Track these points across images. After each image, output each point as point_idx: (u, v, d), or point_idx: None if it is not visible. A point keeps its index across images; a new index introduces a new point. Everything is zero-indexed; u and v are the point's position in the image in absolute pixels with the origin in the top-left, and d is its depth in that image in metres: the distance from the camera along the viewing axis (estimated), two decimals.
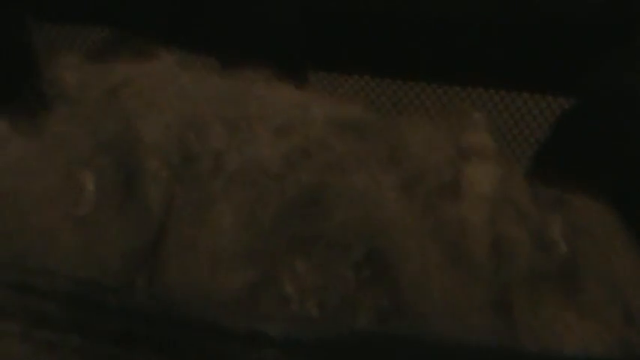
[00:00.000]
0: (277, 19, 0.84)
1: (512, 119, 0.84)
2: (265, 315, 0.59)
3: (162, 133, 0.67)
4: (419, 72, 0.83)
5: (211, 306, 0.58)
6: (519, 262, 0.65)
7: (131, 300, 0.58)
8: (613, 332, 0.66)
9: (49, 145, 0.69)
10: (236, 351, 0.55)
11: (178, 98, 0.69)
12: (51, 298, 0.57)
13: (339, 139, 0.68)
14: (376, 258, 0.64)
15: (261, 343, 0.55)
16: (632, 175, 0.77)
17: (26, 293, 0.57)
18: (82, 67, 0.71)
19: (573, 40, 0.78)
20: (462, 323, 0.63)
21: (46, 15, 0.98)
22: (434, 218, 0.65)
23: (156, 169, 0.66)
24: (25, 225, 0.66)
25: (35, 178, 0.67)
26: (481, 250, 0.65)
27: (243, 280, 0.64)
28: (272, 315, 0.59)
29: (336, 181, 0.65)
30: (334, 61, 0.86)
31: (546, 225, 0.68)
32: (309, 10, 0.82)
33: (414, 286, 0.62)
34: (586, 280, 0.67)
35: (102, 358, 0.60)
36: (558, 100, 0.83)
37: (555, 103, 0.83)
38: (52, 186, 0.68)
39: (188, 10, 0.89)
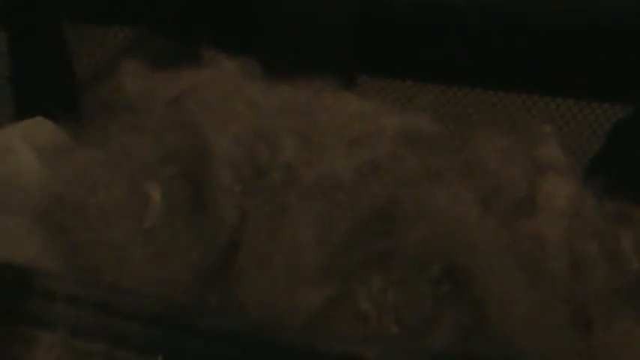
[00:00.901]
0: (327, 22, 0.82)
1: (567, 127, 0.82)
2: (360, 337, 0.57)
3: (232, 145, 0.64)
4: (475, 79, 0.81)
5: (304, 330, 0.56)
6: (595, 279, 0.64)
7: (218, 323, 0.55)
8: None
9: (114, 156, 0.66)
10: None
11: (246, 108, 0.67)
12: (135, 319, 0.55)
13: (410, 152, 0.66)
14: (455, 274, 0.62)
15: None
16: None
17: (110, 313, 0.55)
18: (144, 74, 0.69)
19: (631, 46, 0.77)
20: (543, 341, 0.61)
21: (75, 15, 0.95)
22: (511, 234, 0.63)
23: (228, 182, 0.63)
24: (95, 239, 0.63)
25: (102, 190, 0.65)
26: (559, 267, 0.63)
27: (320, 298, 0.62)
28: (367, 337, 0.57)
29: (411, 195, 0.63)
30: (387, 67, 0.84)
31: (618, 240, 0.67)
32: (363, 14, 0.80)
33: (495, 303, 0.60)
34: None
35: None
36: (614, 109, 0.81)
37: (611, 111, 0.82)
38: (118, 198, 0.65)
39: (232, 13, 0.86)
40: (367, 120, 0.67)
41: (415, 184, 0.64)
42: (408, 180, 0.64)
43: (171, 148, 0.66)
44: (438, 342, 0.61)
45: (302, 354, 0.53)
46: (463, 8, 0.83)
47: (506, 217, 0.63)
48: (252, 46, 0.86)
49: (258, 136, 0.66)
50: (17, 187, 0.67)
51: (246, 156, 0.65)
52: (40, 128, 0.70)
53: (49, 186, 0.65)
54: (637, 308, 0.66)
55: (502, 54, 0.83)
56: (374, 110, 0.68)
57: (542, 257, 0.63)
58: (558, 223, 0.64)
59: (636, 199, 0.69)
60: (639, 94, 0.77)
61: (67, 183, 0.65)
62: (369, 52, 0.84)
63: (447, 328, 0.62)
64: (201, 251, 0.65)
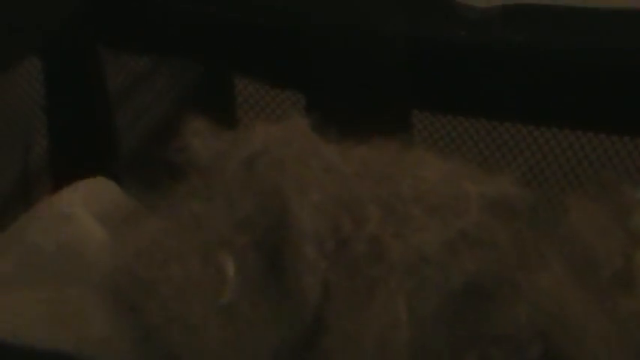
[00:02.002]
0: (382, 60, 0.77)
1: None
2: None
3: (314, 215, 0.59)
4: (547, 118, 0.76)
5: None
6: None
7: None
8: None
9: (184, 225, 0.61)
10: None
11: (324, 172, 0.61)
12: None
13: (498, 222, 0.61)
14: (554, 358, 0.58)
15: None
16: None
17: None
18: (212, 133, 0.63)
19: None
20: None
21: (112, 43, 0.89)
22: (611, 313, 0.58)
23: (312, 257, 0.58)
24: (171, 317, 0.58)
25: (174, 264, 0.59)
26: None
27: None
28: None
29: (504, 270, 0.58)
30: (443, 105, 0.79)
31: None
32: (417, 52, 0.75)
33: None
34: None
35: None
36: None
37: None
38: (191, 271, 0.60)
39: (278, 47, 0.81)
40: (450, 185, 0.62)
41: (509, 259, 0.59)
42: (499, 253, 0.60)
43: (245, 215, 0.61)
44: None
45: None
46: (522, 44, 0.78)
47: (604, 294, 0.59)
48: (301, 81, 0.81)
49: (340, 205, 0.60)
50: (80, 256, 0.61)
51: (329, 227, 0.59)
52: (102, 191, 0.64)
53: (117, 257, 0.59)
54: None
55: (551, 91, 0.79)
56: (457, 175, 0.63)
57: None
58: None
59: None
60: None
61: (137, 255, 0.59)
62: (425, 89, 0.78)
63: None
64: (283, 329, 0.59)
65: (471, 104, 0.81)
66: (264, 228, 0.61)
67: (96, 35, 0.85)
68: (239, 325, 0.59)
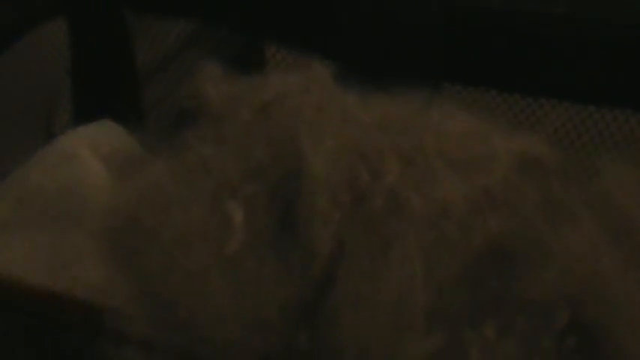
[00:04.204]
0: (414, 23, 0.70)
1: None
2: None
3: (327, 164, 0.52)
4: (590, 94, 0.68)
5: None
6: None
7: None
8: None
9: (191, 170, 0.54)
10: None
11: (343, 122, 0.54)
12: None
13: (529, 181, 0.54)
14: (584, 326, 0.50)
15: None
16: None
17: None
18: (226, 79, 0.56)
19: None
20: None
21: (137, 5, 0.83)
22: None
23: (325, 209, 0.51)
24: (171, 265, 0.51)
25: (177, 209, 0.53)
26: None
27: (425, 347, 0.50)
28: None
29: (532, 231, 0.51)
30: (474, 74, 0.72)
31: None
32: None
33: None
34: None
35: None
36: None
37: None
38: (196, 218, 0.53)
39: (308, 9, 0.74)
40: (477, 141, 0.55)
41: (535, 218, 0.52)
42: (527, 213, 0.52)
43: (257, 163, 0.54)
44: None
45: None
46: (562, 16, 0.71)
47: (638, 261, 0.51)
48: (330, 45, 0.74)
49: (358, 156, 0.53)
50: (82, 197, 0.55)
51: (345, 178, 0.52)
52: (109, 133, 0.58)
53: (119, 201, 0.53)
54: None
55: (590, 66, 0.71)
56: (484, 130, 0.56)
57: None
58: None
59: None
60: None
61: (140, 199, 0.52)
62: (457, 57, 0.71)
63: None
64: (290, 285, 0.52)
65: (503, 77, 0.74)
66: (277, 177, 0.54)
67: None
68: (244, 277, 0.52)
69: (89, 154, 0.55)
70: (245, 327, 0.51)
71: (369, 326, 0.51)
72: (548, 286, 0.51)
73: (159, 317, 0.49)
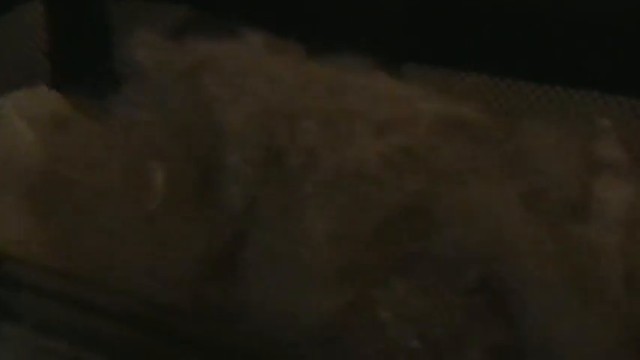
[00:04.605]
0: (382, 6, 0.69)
1: None
2: (336, 355, 0.44)
3: (246, 124, 0.52)
4: (541, 73, 0.67)
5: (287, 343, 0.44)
6: None
7: (200, 330, 0.43)
8: None
9: (116, 131, 0.55)
10: None
11: (266, 85, 0.54)
12: (109, 319, 0.43)
13: (449, 142, 0.53)
14: (493, 284, 0.49)
15: None
16: None
17: (81, 310, 0.43)
18: (159, 45, 0.57)
19: None
20: None
21: None
22: (560, 241, 0.49)
23: (238, 166, 0.51)
24: (90, 221, 0.51)
25: (98, 168, 0.53)
26: (614, 282, 0.49)
27: (334, 303, 0.49)
28: (345, 355, 0.44)
29: (447, 190, 0.50)
30: (435, 54, 0.71)
31: None
32: None
33: (536, 321, 0.47)
34: None
35: None
36: None
37: None
38: (116, 177, 0.53)
39: None
40: (402, 104, 0.55)
41: (453, 177, 0.51)
42: (444, 173, 0.52)
43: (180, 125, 0.54)
44: None
45: None
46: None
47: (554, 221, 0.50)
48: (300, 29, 0.74)
49: (277, 116, 0.53)
50: (7, 160, 0.55)
51: (261, 137, 0.52)
52: (39, 98, 0.58)
53: (42, 160, 0.53)
54: None
55: (562, 47, 0.70)
56: (411, 93, 0.55)
57: (594, 270, 0.49)
58: (614, 232, 0.50)
59: None
60: None
61: (62, 159, 0.53)
62: (419, 37, 0.71)
63: (477, 347, 0.49)
64: (205, 240, 0.52)
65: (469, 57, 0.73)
66: (199, 139, 0.54)
67: None
68: (161, 234, 0.53)
69: (18, 117, 0.56)
70: (158, 281, 0.52)
71: (277, 282, 0.51)
72: (458, 244, 0.50)
73: (72, 269, 0.49)
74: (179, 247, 0.52)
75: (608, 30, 0.63)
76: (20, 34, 0.83)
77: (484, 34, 0.70)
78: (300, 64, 0.57)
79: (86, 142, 0.54)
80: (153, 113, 0.55)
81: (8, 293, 0.44)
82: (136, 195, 0.53)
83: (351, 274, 0.51)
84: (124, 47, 0.58)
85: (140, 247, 0.52)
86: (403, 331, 0.50)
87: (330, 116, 0.55)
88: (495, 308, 0.50)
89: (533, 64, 0.66)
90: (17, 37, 0.82)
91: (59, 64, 0.83)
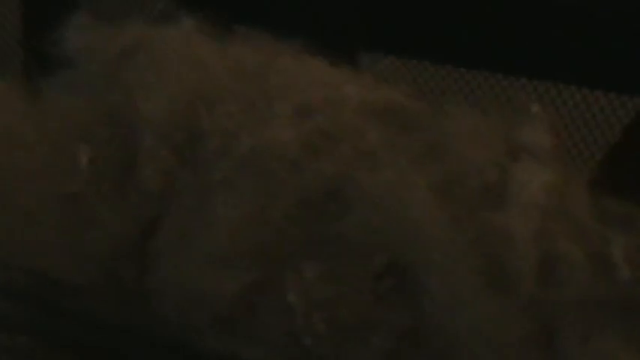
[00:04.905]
0: None
1: (581, 118, 0.67)
2: (244, 337, 0.44)
3: (168, 108, 0.52)
4: (480, 59, 0.66)
5: (181, 325, 0.43)
6: (571, 287, 0.49)
7: (90, 305, 0.43)
8: None
9: (44, 114, 0.55)
10: None
11: (192, 69, 0.54)
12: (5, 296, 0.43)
13: (372, 126, 0.52)
14: (400, 269, 0.48)
15: None
16: None
17: None
18: (92, 28, 0.57)
19: None
20: (497, 355, 0.47)
21: None
22: (473, 227, 0.48)
23: (153, 148, 0.51)
24: (8, 202, 0.52)
25: (26, 150, 0.53)
26: (527, 269, 0.48)
27: (241, 285, 0.49)
28: (252, 338, 0.44)
29: (362, 174, 0.49)
30: (385, 43, 0.70)
31: (608, 245, 0.51)
32: None
33: (441, 308, 0.46)
34: None
35: None
36: (634, 100, 0.66)
37: (631, 103, 0.66)
38: (43, 159, 0.54)
39: None
40: (328, 88, 0.54)
41: (370, 161, 0.50)
42: (362, 156, 0.51)
43: (106, 108, 0.54)
44: (371, 349, 0.48)
45: (174, 350, 0.40)
46: None
47: (468, 207, 0.49)
48: (253, 18, 0.73)
49: (199, 100, 0.53)
50: None
51: (181, 120, 0.52)
52: None
53: None
54: (624, 326, 0.51)
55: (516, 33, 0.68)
56: (339, 77, 0.55)
57: (506, 256, 0.48)
58: (531, 218, 0.49)
59: None
60: None
61: None
62: (374, 28, 0.70)
63: (383, 332, 0.48)
64: (123, 223, 0.52)
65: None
66: (122, 121, 0.54)
67: None
68: (82, 215, 0.53)
69: None
70: (75, 262, 0.52)
71: (187, 264, 0.50)
72: (367, 228, 0.49)
73: None
74: (96, 227, 0.52)
75: (542, 16, 0.62)
76: None
77: (429, 22, 0.69)
78: (229, 48, 0.57)
79: (14, 123, 0.54)
80: (82, 96, 0.55)
81: None
82: (60, 176, 0.53)
83: (261, 256, 0.51)
84: (60, 31, 0.58)
85: (57, 227, 0.52)
86: (310, 314, 0.50)
87: (253, 100, 0.54)
88: (402, 293, 0.49)
89: (472, 51, 0.65)
90: None
91: (33, 52, 0.84)
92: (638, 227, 0.54)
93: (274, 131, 0.53)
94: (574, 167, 0.60)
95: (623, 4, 0.65)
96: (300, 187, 0.52)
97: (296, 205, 0.52)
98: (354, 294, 0.50)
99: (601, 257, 0.52)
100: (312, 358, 0.48)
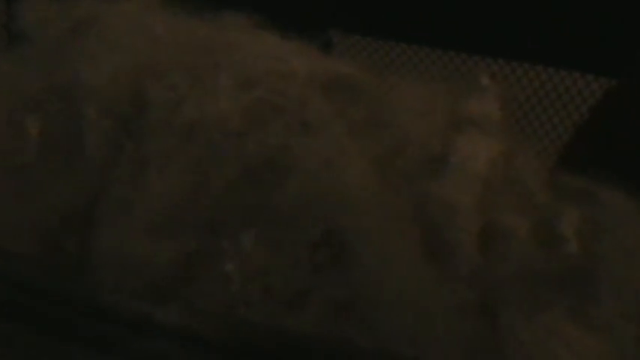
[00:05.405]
0: None
1: (547, 98, 0.65)
2: (156, 299, 0.43)
3: (112, 79, 0.51)
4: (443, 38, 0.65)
5: (95, 286, 0.43)
6: (514, 259, 0.48)
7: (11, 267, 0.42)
8: (624, 355, 0.47)
9: None
10: (120, 336, 0.39)
11: (142, 42, 0.53)
12: None
13: (318, 98, 0.51)
14: (337, 239, 0.47)
15: (149, 329, 0.38)
16: None
17: None
18: (46, 2, 0.56)
19: (623, 13, 0.59)
20: (431, 326, 0.45)
21: None
22: (412, 197, 0.47)
23: (95, 118, 0.50)
24: None
25: None
26: (466, 240, 0.47)
27: (178, 254, 0.48)
28: (164, 299, 0.43)
29: (299, 144, 0.48)
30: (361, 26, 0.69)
31: (558, 218, 0.50)
32: None
33: (372, 277, 0.45)
34: (599, 289, 0.49)
35: None
36: (600, 81, 0.64)
37: (596, 84, 0.64)
38: None
39: None
40: (277, 61, 0.53)
41: (310, 132, 0.49)
42: (304, 127, 0.50)
43: (57, 81, 0.54)
44: (306, 319, 0.46)
45: (87, 309, 0.39)
46: None
47: (408, 177, 0.48)
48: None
49: (146, 72, 0.52)
50: None
51: (127, 91, 0.51)
52: None
53: None
54: (568, 300, 0.49)
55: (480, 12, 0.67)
56: (289, 51, 0.54)
57: (445, 226, 0.47)
58: (472, 189, 0.48)
59: (612, 179, 0.52)
60: (628, 65, 0.60)
61: None
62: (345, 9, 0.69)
63: (317, 302, 0.47)
64: (70, 193, 0.52)
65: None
66: (72, 94, 0.54)
67: None
68: (31, 187, 0.52)
69: None
70: (19, 232, 0.51)
71: (128, 232, 0.49)
72: (304, 198, 0.48)
73: None
74: (47, 197, 0.52)
75: None
76: None
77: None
78: (181, 22, 0.56)
79: None
80: (33, 70, 0.55)
81: None
82: (10, 148, 0.53)
83: (200, 226, 0.50)
84: (16, 5, 0.58)
85: (5, 198, 0.52)
86: (247, 284, 0.49)
87: (200, 72, 0.54)
88: (338, 263, 0.48)
89: (429, 29, 0.64)
90: None
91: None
92: (594, 202, 0.53)
93: (218, 103, 0.52)
94: (532, 142, 0.58)
95: None
96: (240, 157, 0.51)
97: (236, 175, 0.51)
98: (289, 264, 0.49)
99: (548, 230, 0.51)
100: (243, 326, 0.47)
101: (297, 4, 0.70)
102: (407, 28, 0.67)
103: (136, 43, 0.55)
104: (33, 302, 0.44)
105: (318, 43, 0.69)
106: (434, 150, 0.50)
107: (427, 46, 0.68)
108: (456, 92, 0.52)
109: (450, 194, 0.49)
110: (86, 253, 0.51)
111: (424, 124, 0.51)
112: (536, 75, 0.65)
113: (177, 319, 0.39)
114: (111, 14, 0.57)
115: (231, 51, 0.55)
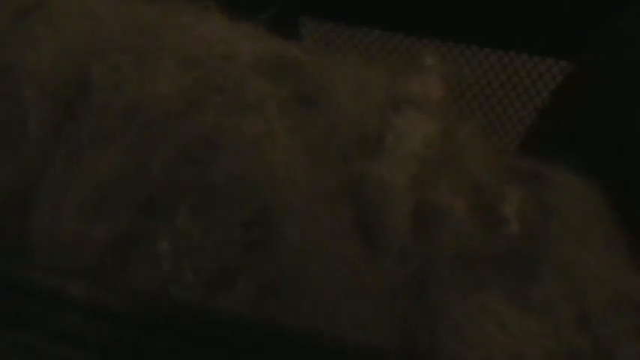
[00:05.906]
0: None
1: (509, 83, 0.64)
2: (66, 272, 0.42)
3: (51, 60, 0.51)
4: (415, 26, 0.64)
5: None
6: (450, 238, 0.46)
7: None
8: (559, 337, 0.45)
9: None
10: (30, 311, 0.38)
11: (88, 25, 0.53)
12: None
13: (259, 79, 0.50)
14: (267, 218, 0.46)
15: (60, 304, 0.38)
16: (630, 157, 0.56)
17: None
18: None
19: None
20: (357, 306, 0.44)
21: None
22: (343, 176, 0.46)
23: (36, 100, 0.50)
24: None
25: None
26: (398, 218, 0.46)
27: (111, 234, 0.47)
28: (75, 273, 0.42)
29: (232, 124, 0.47)
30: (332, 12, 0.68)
31: (500, 198, 0.49)
32: None
33: (298, 255, 0.44)
34: (540, 270, 0.47)
35: None
36: (560, 64, 0.62)
37: (556, 67, 0.63)
38: None
39: None
40: (222, 43, 0.52)
41: (242, 111, 0.48)
42: (238, 106, 0.49)
43: (3, 65, 0.54)
44: (234, 299, 0.45)
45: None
46: None
47: (341, 156, 0.47)
48: None
49: (87, 53, 0.52)
50: None
51: (67, 73, 0.51)
52: None
53: None
54: (505, 282, 0.47)
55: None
56: (236, 34, 0.53)
57: (376, 205, 0.46)
58: (407, 168, 0.46)
59: (566, 163, 0.51)
60: (588, 49, 0.58)
61: None
62: None
63: (247, 282, 0.46)
64: (9, 175, 0.51)
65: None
66: (17, 76, 0.53)
67: None
68: None
69: None
70: None
71: (63, 213, 0.49)
72: (237, 177, 0.47)
73: None
74: None
75: None
76: None
77: None
78: (129, 5, 0.56)
79: None
80: None
81: None
82: None
83: (134, 206, 0.49)
84: None
85: None
86: (179, 263, 0.48)
87: (142, 54, 0.53)
88: (267, 242, 0.47)
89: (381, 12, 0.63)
90: None
91: None
92: (544, 184, 0.51)
93: (158, 84, 0.52)
94: (482, 123, 0.56)
95: None
96: (176, 136, 0.50)
97: (171, 154, 0.50)
98: (221, 243, 0.49)
99: (489, 210, 0.49)
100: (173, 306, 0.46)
101: None
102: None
103: (80, 26, 0.55)
104: None
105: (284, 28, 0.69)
106: (369, 129, 0.49)
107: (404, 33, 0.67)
108: (396, 71, 0.51)
109: (383, 173, 0.47)
110: (24, 235, 0.51)
111: (361, 103, 0.49)
112: (497, 59, 0.64)
113: (85, 293, 0.38)
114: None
115: (177, 34, 0.55)
